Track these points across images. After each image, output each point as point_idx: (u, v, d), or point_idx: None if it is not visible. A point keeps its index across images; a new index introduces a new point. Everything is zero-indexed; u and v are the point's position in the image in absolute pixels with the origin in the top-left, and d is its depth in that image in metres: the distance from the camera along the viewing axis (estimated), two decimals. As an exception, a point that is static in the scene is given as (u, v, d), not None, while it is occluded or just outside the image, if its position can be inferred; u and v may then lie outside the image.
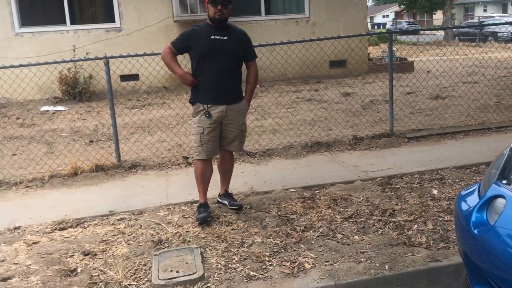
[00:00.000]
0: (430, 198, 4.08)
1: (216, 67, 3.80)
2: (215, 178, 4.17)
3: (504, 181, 2.03)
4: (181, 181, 4.97)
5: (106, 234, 3.73)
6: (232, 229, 3.69)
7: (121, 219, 4.04)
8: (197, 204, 4.02)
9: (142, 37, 11.20)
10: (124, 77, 10.64)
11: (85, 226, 3.95)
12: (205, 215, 3.82)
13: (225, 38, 3.82)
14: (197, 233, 3.65)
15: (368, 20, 57.70)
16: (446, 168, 4.80)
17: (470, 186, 2.30)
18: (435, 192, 4.22)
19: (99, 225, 3.94)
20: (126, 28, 11.25)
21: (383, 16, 73.97)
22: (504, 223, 1.79)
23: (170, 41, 3.92)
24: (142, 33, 11.23)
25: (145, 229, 3.81)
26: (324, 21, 11.99)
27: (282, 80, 11.18)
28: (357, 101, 8.23)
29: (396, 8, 64.01)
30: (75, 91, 10.40)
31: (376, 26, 59.54)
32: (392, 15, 71.50)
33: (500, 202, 1.89)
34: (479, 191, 2.16)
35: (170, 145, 6.29)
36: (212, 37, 3.79)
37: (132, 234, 3.73)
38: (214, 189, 4.30)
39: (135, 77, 10.67)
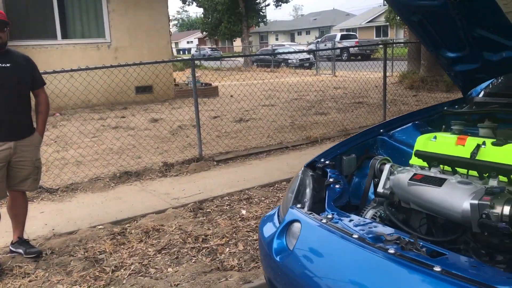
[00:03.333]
0: (239, 219, 4.22)
1: (0, 99, 3.33)
2: (7, 223, 3.63)
3: (298, 205, 2.13)
4: (-38, 231, 4.20)
5: None
6: (30, 281, 3.24)
7: None
8: (-17, 257, 3.44)
9: None
10: None
11: None
12: (-7, 268, 3.29)
13: (8, 65, 3.37)
14: (-16, 292, 3.11)
15: (174, 45, 58.99)
16: (253, 188, 5.04)
17: (271, 211, 2.39)
18: (243, 212, 4.38)
19: None
20: None
21: (188, 42, 76.39)
22: (301, 247, 1.86)
23: None
24: None
25: None
26: (126, 47, 11.75)
27: (85, 107, 10.54)
28: (166, 127, 8.20)
29: (199, 34, 66.67)
30: None
31: (181, 52, 61.11)
32: (196, 41, 74.32)
33: (296, 226, 1.97)
34: (278, 216, 2.25)
35: None
36: None
37: None
38: (6, 236, 3.74)
39: None
